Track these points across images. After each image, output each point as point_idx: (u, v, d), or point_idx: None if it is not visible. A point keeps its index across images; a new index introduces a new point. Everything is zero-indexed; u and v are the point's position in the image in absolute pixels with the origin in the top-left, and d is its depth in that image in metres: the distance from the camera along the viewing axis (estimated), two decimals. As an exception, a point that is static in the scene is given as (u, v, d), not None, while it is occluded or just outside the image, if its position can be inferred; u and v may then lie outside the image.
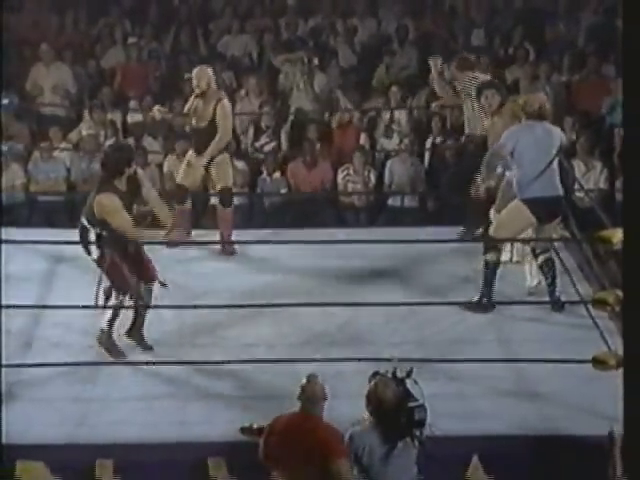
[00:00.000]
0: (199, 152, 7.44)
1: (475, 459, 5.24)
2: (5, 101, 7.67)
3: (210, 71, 7.53)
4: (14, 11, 11.08)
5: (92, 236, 5.96)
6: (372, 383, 4.73)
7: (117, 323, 6.09)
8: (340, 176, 9.56)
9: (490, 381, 5.76)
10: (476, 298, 6.54)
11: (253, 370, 5.85)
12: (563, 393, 5.64)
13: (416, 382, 4.70)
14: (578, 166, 8.87)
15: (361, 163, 9.51)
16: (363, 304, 6.32)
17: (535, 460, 5.20)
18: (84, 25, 11.27)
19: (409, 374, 4.75)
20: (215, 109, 7.35)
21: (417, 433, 4.67)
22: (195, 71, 7.53)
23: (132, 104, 10.21)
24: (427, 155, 9.70)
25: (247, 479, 5.13)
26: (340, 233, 7.93)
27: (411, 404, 4.67)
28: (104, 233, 5.92)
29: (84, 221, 5.98)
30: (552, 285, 6.55)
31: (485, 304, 6.52)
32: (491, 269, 6.55)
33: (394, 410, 4.65)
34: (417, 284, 6.99)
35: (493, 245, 6.52)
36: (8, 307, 6.14)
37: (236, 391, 5.78)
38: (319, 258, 7.10)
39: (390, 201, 9.49)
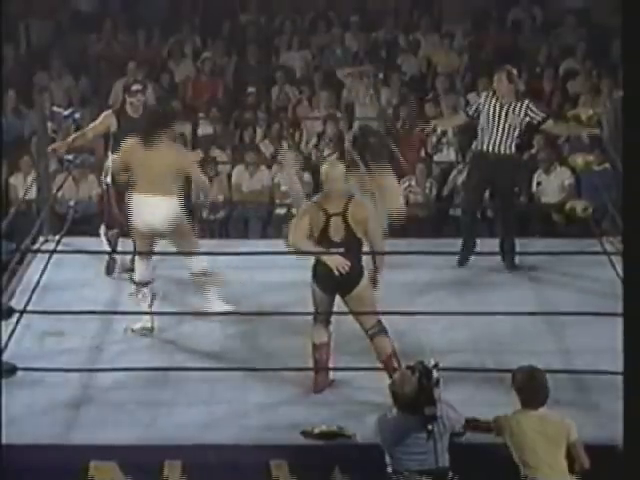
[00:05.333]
0: None
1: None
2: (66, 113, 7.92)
3: None
4: (92, 31, 11.49)
5: None
6: (393, 377, 5.05)
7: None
8: (402, 187, 9.70)
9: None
10: None
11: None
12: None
13: (438, 378, 4.93)
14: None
15: (423, 175, 9.64)
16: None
17: (594, 470, 5.27)
18: (156, 42, 11.60)
19: (435, 366, 4.97)
20: None
21: (429, 427, 4.90)
22: None
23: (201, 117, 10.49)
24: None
25: (308, 481, 5.29)
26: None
27: (423, 399, 4.91)
28: None
29: None
30: None
31: None
32: None
33: (411, 403, 4.91)
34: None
35: None
36: (76, 313, 6.45)
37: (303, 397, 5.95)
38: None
39: (451, 211, 9.62)
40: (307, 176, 9.81)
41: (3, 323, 6.05)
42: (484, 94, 7.36)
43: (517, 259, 7.43)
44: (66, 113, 7.45)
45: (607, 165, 8.74)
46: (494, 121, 7.15)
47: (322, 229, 5.81)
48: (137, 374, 6.02)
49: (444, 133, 10.02)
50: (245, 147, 10.05)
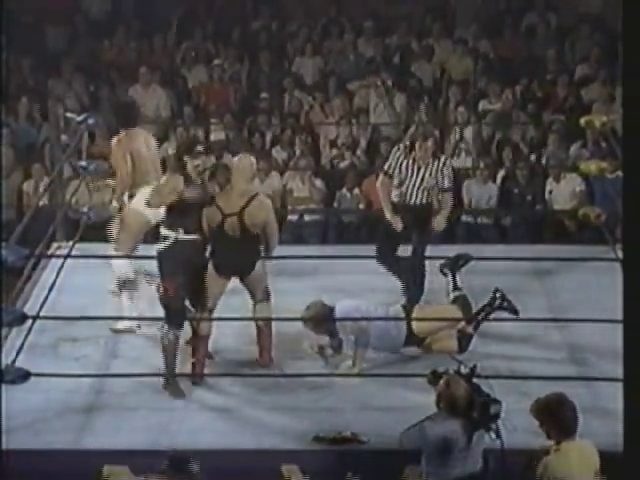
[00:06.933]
0: None
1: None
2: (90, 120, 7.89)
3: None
4: (105, 37, 11.52)
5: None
6: (443, 381, 4.95)
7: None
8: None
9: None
10: None
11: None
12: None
13: (486, 378, 4.89)
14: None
15: (437, 181, 9.61)
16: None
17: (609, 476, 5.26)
18: (170, 48, 11.63)
19: (473, 371, 4.94)
20: None
21: (493, 426, 4.87)
22: None
23: (213, 122, 10.50)
24: (500, 174, 9.83)
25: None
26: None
27: (484, 399, 4.89)
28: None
29: None
30: None
31: None
32: None
33: (467, 406, 4.87)
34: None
35: None
36: (90, 319, 6.48)
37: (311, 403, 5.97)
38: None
39: (464, 218, 9.61)
40: (319, 183, 9.83)
41: (16, 329, 6.10)
42: (400, 151, 7.03)
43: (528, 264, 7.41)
44: (79, 119, 7.42)
45: (620, 173, 8.74)
46: (414, 180, 6.96)
47: (218, 226, 5.90)
48: (150, 379, 6.05)
49: (462, 138, 10.01)
50: (257, 153, 10.04)
